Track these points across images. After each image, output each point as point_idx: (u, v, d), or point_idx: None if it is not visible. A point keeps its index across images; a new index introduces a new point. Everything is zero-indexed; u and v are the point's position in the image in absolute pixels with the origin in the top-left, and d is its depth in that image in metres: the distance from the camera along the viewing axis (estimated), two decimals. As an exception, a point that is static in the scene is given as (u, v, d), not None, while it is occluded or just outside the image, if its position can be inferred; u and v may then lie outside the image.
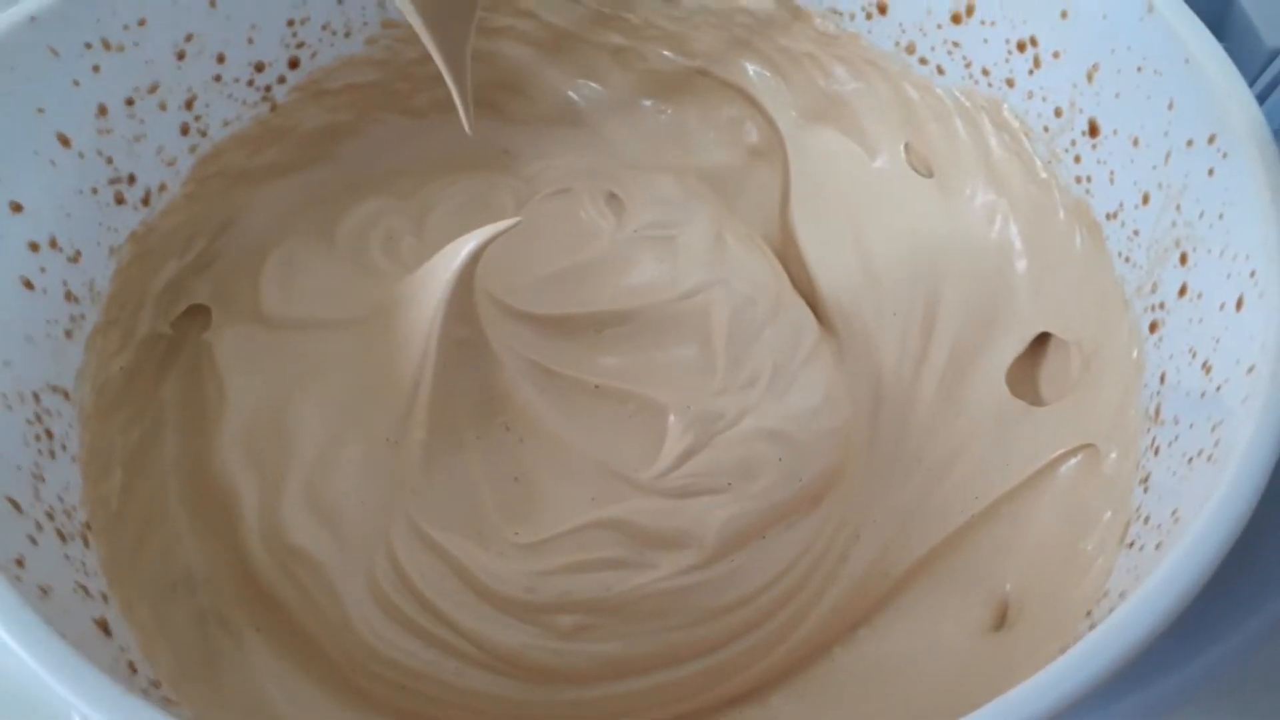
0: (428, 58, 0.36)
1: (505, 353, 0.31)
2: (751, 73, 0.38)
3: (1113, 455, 0.28)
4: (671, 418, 0.30)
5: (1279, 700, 0.33)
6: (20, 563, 0.21)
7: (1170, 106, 0.26)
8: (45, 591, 0.21)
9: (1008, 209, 0.33)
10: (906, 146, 0.36)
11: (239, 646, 0.29)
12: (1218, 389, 0.23)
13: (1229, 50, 0.34)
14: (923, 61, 0.34)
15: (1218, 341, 0.23)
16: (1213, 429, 0.22)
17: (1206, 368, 0.24)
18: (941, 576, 0.30)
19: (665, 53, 0.38)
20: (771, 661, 0.28)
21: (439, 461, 0.30)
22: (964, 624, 0.29)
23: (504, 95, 0.38)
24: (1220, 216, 0.24)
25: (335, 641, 0.28)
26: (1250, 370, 0.21)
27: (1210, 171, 0.25)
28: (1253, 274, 0.23)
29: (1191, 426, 0.23)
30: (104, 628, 0.23)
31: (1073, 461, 0.30)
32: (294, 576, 0.29)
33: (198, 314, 0.34)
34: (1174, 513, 0.21)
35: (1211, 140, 0.25)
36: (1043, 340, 0.32)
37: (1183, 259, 0.26)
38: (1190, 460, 0.22)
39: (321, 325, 0.33)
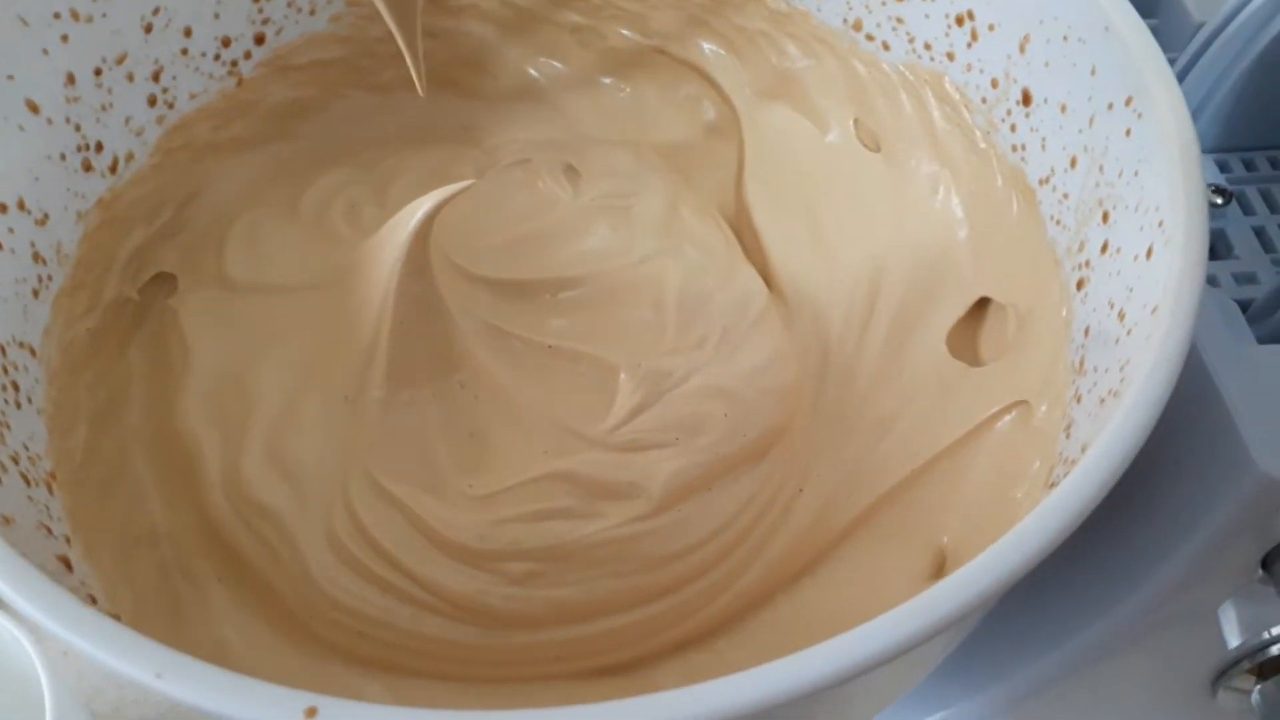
0: (392, 36, 0.37)
1: (461, 314, 0.32)
2: (707, 51, 0.39)
3: (1043, 409, 0.29)
4: (622, 375, 0.32)
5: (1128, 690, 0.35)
6: (-17, 493, 0.22)
7: (1093, 72, 0.28)
8: (8, 520, 0.22)
9: (950, 179, 0.34)
10: (856, 122, 0.37)
11: (201, 596, 0.29)
12: (1128, 333, 0.24)
13: (1160, 25, 0.36)
14: (869, 38, 0.35)
15: (1131, 291, 0.25)
16: (1121, 369, 0.23)
17: (1121, 315, 0.25)
18: (882, 529, 0.31)
19: (624, 31, 0.39)
20: (717, 608, 0.29)
21: (395, 417, 0.31)
22: (903, 573, 0.30)
23: (466, 72, 0.39)
24: (1135, 173, 0.26)
25: (295, 591, 0.29)
26: (1154, 311, 0.22)
27: (1128, 132, 0.26)
28: (1161, 224, 0.24)
29: (1106, 371, 0.24)
30: (65, 563, 0.24)
31: (1007, 418, 0.31)
32: (255, 529, 0.30)
33: (164, 281, 0.35)
34: (1083, 447, 0.23)
35: (1129, 102, 0.26)
36: (982, 304, 0.34)
37: (1104, 217, 0.27)
38: (1102, 400, 0.24)
39: (284, 290, 0.33)
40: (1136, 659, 0.34)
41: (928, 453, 0.31)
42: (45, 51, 0.30)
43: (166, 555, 0.30)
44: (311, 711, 0.17)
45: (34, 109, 0.29)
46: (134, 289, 0.33)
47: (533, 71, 0.40)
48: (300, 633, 0.29)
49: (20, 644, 0.38)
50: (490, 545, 0.29)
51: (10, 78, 0.29)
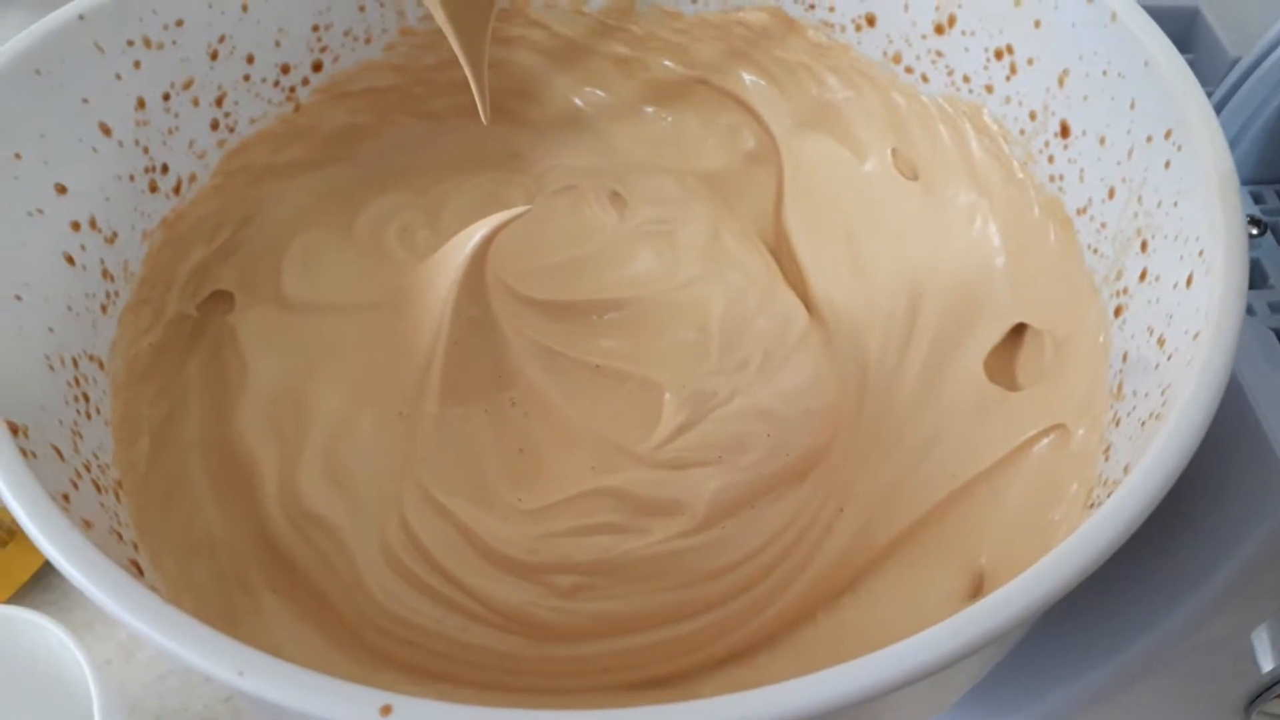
0: (444, 64, 0.38)
1: (513, 334, 0.33)
2: (748, 82, 0.40)
3: (1081, 432, 0.30)
4: (667, 395, 0.32)
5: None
6: (66, 498, 0.23)
7: (1132, 106, 0.28)
8: (88, 524, 0.23)
9: (987, 208, 0.35)
10: (894, 151, 0.38)
11: (256, 606, 0.30)
12: (1169, 358, 0.24)
13: (1196, 60, 0.36)
14: (909, 70, 0.36)
15: (1171, 318, 0.25)
16: (1162, 393, 0.24)
17: (1161, 341, 0.25)
18: (921, 549, 0.32)
19: (667, 62, 0.40)
20: (759, 623, 0.30)
21: (449, 433, 0.32)
22: (942, 593, 0.31)
23: (515, 101, 0.40)
24: (1175, 204, 0.26)
25: (348, 600, 0.30)
26: (1195, 337, 0.23)
27: (1167, 164, 0.27)
28: (1201, 253, 0.24)
29: (1146, 395, 0.25)
30: (137, 567, 0.25)
31: (1045, 441, 0.31)
32: (310, 540, 0.30)
33: (222, 299, 0.36)
34: (1125, 468, 0.23)
35: (1168, 135, 0.27)
36: (1019, 329, 0.34)
37: (1143, 246, 0.28)
38: (1143, 424, 0.24)
39: (339, 309, 0.35)
40: (1170, 682, 0.34)
41: (966, 474, 0.32)
42: (118, 77, 0.31)
43: (223, 564, 0.31)
44: (387, 709, 0.18)
45: (106, 131, 0.31)
46: (193, 306, 0.34)
47: (578, 100, 0.41)
48: (352, 641, 0.30)
49: (72, 653, 0.38)
50: (539, 558, 0.29)
51: (85, 101, 0.30)
